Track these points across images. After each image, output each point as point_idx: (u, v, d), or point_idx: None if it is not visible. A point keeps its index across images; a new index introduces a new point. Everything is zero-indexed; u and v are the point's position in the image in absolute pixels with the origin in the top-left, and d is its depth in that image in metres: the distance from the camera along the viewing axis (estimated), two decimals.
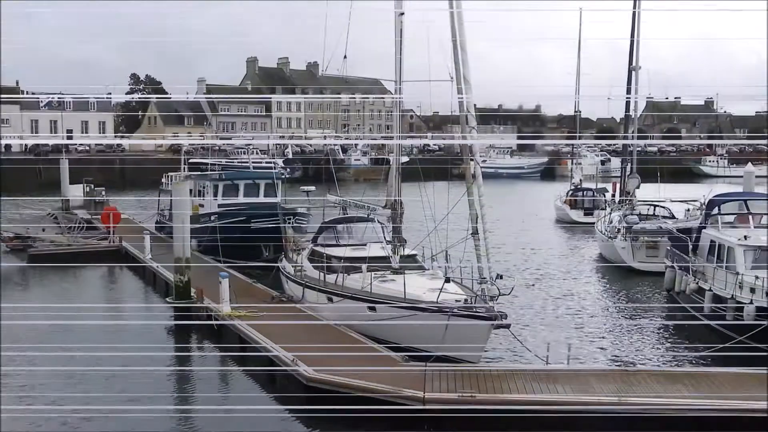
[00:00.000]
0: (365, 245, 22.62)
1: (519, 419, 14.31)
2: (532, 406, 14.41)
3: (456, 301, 17.26)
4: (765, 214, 23.69)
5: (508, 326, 16.98)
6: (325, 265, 21.21)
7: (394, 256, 21.28)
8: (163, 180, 42.75)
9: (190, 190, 31.06)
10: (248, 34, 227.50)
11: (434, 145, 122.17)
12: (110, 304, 26.28)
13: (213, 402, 16.70)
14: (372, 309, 18.76)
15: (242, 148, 77.78)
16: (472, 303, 17.06)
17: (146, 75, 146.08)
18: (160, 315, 24.23)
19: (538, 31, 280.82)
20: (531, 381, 15.49)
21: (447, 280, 18.26)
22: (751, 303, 19.04)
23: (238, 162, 56.77)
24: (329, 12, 23.28)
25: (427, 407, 14.38)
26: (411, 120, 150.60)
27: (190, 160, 49.14)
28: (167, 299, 23.74)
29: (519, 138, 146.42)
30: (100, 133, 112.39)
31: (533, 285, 29.70)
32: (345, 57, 23.66)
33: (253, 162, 47.63)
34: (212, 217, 32.00)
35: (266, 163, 52.24)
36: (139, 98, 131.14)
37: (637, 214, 36.46)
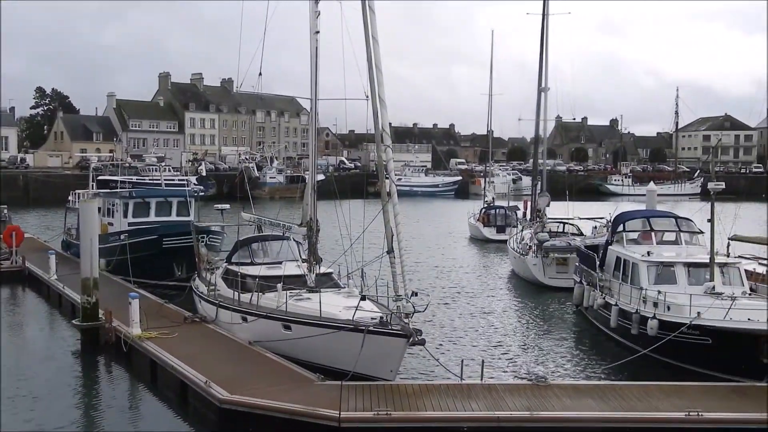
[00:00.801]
0: (280, 264, 22.47)
1: None
2: (446, 423, 14.49)
3: (372, 318, 17.26)
4: (667, 230, 24.63)
5: (423, 343, 17.07)
6: (239, 283, 20.89)
7: (309, 275, 21.17)
8: (70, 198, 41.32)
9: (99, 209, 30.20)
10: (161, 49, 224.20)
11: (351, 163, 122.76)
12: (12, 327, 25.11)
13: (122, 428, 16.22)
14: (287, 328, 18.58)
15: (154, 165, 76.04)
16: (387, 320, 17.09)
17: (52, 89, 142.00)
18: (65, 338, 23.37)
19: (452, 52, 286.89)
20: (445, 397, 15.55)
21: (363, 298, 18.30)
22: (654, 317, 19.71)
23: (150, 179, 55.59)
24: (244, 29, 23.21)
25: (343, 426, 14.29)
26: (327, 138, 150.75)
27: (99, 178, 47.82)
28: (74, 321, 22.87)
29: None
30: (2, 148, 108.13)
31: (447, 304, 30.06)
32: (260, 74, 23.57)
33: (165, 179, 46.70)
34: (122, 236, 31.09)
35: (179, 180, 51.37)
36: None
37: (547, 232, 37.32)
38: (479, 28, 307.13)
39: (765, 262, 29.62)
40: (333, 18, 20.43)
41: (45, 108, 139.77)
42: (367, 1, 17.85)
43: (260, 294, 20.02)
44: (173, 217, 32.39)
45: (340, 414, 14.37)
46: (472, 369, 18.18)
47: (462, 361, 18.37)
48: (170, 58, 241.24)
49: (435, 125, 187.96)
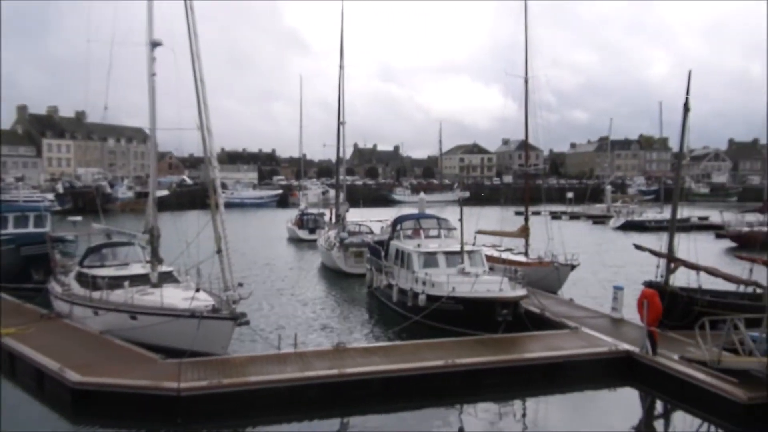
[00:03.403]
0: (127, 265, 21.12)
1: (258, 397, 14.18)
2: (267, 385, 14.29)
3: (205, 306, 16.68)
4: (431, 228, 25.85)
5: (247, 323, 16.72)
6: (91, 282, 19.33)
7: (152, 273, 20.03)
8: None
9: None
10: (18, 83, 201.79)
11: (191, 180, 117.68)
12: None
13: None
14: (134, 318, 17.46)
15: (12, 185, 68.45)
16: (218, 307, 16.59)
17: None
18: None
19: (271, 91, 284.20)
20: (267, 364, 15.32)
21: (198, 290, 17.65)
22: (423, 293, 20.57)
23: (10, 197, 50.02)
24: (95, 66, 21.55)
25: (183, 395, 13.67)
26: (170, 160, 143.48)
27: None
28: None
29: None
30: None
31: (279, 290, 29.67)
32: (106, 108, 22.00)
33: (24, 197, 42.22)
34: None
35: (36, 197, 46.62)
36: None
37: (347, 231, 37.93)
38: (291, 73, 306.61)
39: (500, 249, 32.01)
40: (169, 61, 19.58)
41: None
42: (194, 50, 17.24)
43: (109, 291, 18.69)
44: (30, 229, 29.30)
45: (179, 385, 13.72)
46: (288, 341, 18.08)
47: (279, 335, 18.20)
48: (24, 92, 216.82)
49: (260, 149, 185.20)
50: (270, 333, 20.38)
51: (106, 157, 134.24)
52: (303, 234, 51.72)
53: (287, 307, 25.69)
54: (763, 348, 14.17)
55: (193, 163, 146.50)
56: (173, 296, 17.78)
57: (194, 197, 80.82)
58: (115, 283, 19.00)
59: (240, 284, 17.30)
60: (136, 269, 20.59)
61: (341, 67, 42.22)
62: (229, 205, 20.81)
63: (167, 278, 20.10)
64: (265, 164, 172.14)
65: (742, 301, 19.90)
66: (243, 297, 16.82)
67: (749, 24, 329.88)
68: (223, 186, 27.87)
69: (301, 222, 53.56)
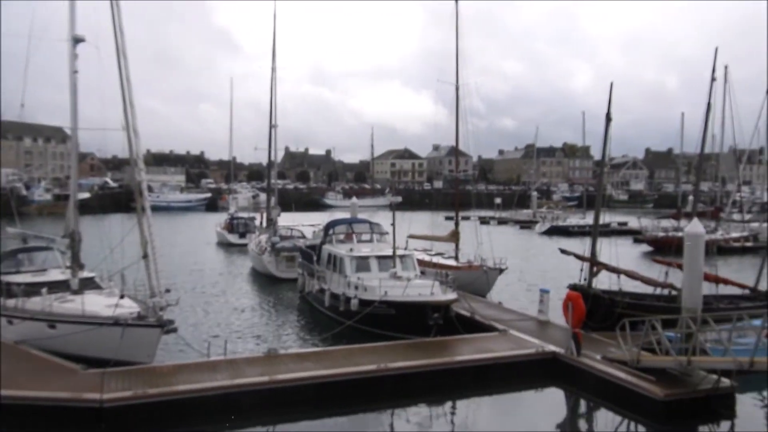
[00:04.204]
0: (45, 271, 20.08)
1: (186, 406, 13.77)
2: (196, 393, 13.89)
3: (130, 313, 16.07)
4: (363, 232, 25.87)
5: (175, 330, 16.23)
6: (5, 290, 18.24)
7: (73, 279, 19.13)
8: None
9: None
10: None
11: (115, 183, 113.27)
12: None
13: None
14: (52, 327, 16.60)
15: None
16: (144, 314, 16.01)
17: None
18: None
19: (199, 92, 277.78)
20: (195, 372, 14.91)
21: (122, 297, 16.98)
22: (355, 297, 20.56)
23: None
24: (8, 63, 20.47)
25: (105, 406, 13.10)
26: (92, 161, 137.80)
27: None
28: None
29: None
30: None
31: (207, 292, 28.91)
32: (22, 105, 20.96)
33: None
34: None
35: None
36: None
37: (279, 236, 37.49)
38: (220, 74, 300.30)
39: (431, 253, 32.43)
40: (92, 58, 18.79)
41: None
42: (119, 47, 16.64)
43: (25, 299, 17.68)
44: None
45: (102, 396, 13.16)
46: (218, 348, 17.66)
47: (209, 342, 17.76)
48: None
49: (188, 152, 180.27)
50: (199, 340, 19.84)
51: (22, 158, 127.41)
52: (233, 238, 50.75)
53: (217, 314, 25.11)
54: (678, 347, 14.93)
55: (116, 164, 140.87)
56: (95, 303, 17.05)
57: (118, 200, 77.81)
58: (32, 289, 18.00)
59: (167, 290, 16.83)
60: (55, 275, 19.62)
61: (273, 69, 41.89)
62: (155, 209, 20.14)
63: (89, 285, 19.27)
64: (194, 167, 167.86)
65: (659, 303, 20.94)
66: (170, 303, 16.34)
67: (664, 40, 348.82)
68: (149, 189, 27.01)
69: (231, 226, 52.54)
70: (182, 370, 15.15)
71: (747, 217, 58.50)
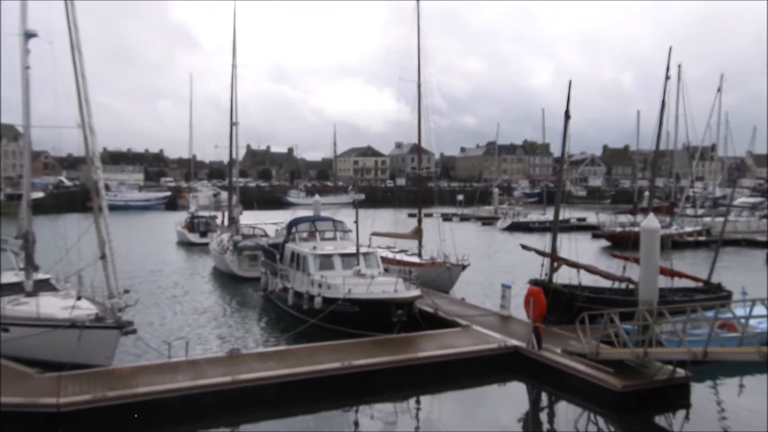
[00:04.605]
0: None
1: (147, 408, 13.52)
2: (156, 396, 13.65)
3: (88, 315, 15.69)
4: (327, 230, 25.79)
5: (134, 332, 15.92)
6: None
7: (27, 281, 18.58)
8: None
9: None
10: None
11: (70, 182, 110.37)
12: None
13: None
14: (6, 330, 16.08)
15: None
16: (102, 315, 15.65)
17: None
18: None
19: (158, 89, 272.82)
20: (156, 374, 14.64)
21: (79, 298, 16.58)
22: (319, 295, 20.49)
23: None
24: None
25: (63, 410, 12.77)
26: (46, 160, 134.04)
27: None
28: None
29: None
30: None
31: (173, 297, 28.41)
32: None
33: None
34: None
35: None
36: None
37: (241, 234, 37.11)
38: (179, 70, 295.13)
39: (395, 250, 32.52)
40: (46, 54, 18.24)
41: None
42: (74, 42, 16.20)
43: None
44: None
45: (59, 400, 12.83)
46: (180, 349, 17.38)
47: (170, 343, 17.47)
48: None
49: (147, 150, 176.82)
50: (160, 342, 19.50)
51: None
52: (194, 237, 50.02)
53: (178, 314, 24.72)
54: (635, 339, 15.31)
55: (71, 163, 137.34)
56: (51, 305, 16.61)
57: (73, 200, 75.97)
58: None
59: (126, 291, 16.48)
60: (8, 277, 19.03)
61: (234, 66, 41.31)
62: (112, 208, 19.70)
63: (44, 286, 18.76)
64: (152, 165, 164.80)
65: (617, 297, 21.42)
66: (129, 304, 16.02)
67: (620, 39, 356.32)
68: (106, 188, 26.40)
69: (191, 225, 51.75)
70: (142, 372, 14.87)
71: (700, 212, 60.30)
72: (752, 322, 14.70)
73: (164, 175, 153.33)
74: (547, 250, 22.96)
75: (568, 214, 35.64)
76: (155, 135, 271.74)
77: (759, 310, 13.79)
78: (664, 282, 21.62)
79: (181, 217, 57.80)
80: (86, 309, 16.11)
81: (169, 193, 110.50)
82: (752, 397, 16.29)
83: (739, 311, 15.41)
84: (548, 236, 23.66)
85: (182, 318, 24.09)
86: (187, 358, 16.34)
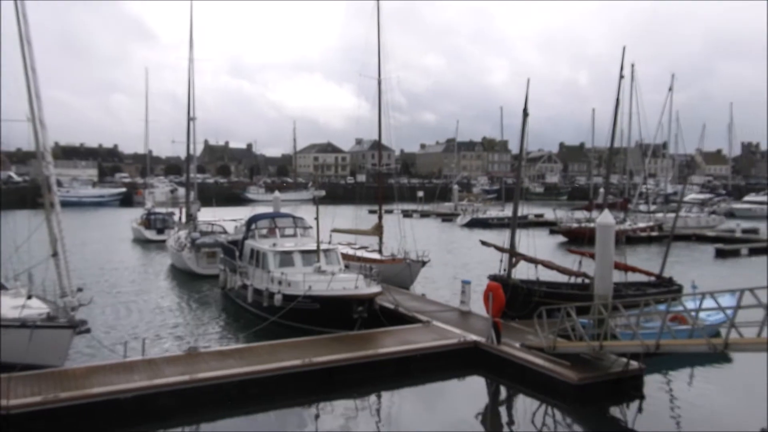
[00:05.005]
0: None
1: (101, 410, 13.19)
2: (110, 396, 13.32)
3: (39, 314, 15.21)
4: (287, 227, 25.59)
5: (88, 331, 15.49)
6: None
7: None
8: None
9: None
10: None
11: (20, 177, 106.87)
12: None
13: None
14: None
15: None
16: (54, 315, 15.20)
17: None
18: None
19: (112, 83, 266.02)
20: (110, 374, 14.29)
21: (29, 297, 16.07)
22: (279, 293, 20.33)
23: None
24: None
25: (12, 413, 12.36)
26: None
27: None
28: None
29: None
30: None
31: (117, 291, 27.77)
32: None
33: None
34: None
35: None
36: None
37: (199, 231, 36.56)
38: (134, 64, 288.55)
39: (355, 247, 32.50)
40: None
41: None
42: (23, 33, 15.64)
43: None
44: None
45: (7, 402, 12.39)
46: (136, 348, 17.02)
47: (125, 342, 17.08)
48: None
49: (101, 144, 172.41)
50: (115, 341, 19.05)
51: None
52: (150, 234, 49.03)
53: (134, 313, 24.18)
54: (591, 333, 15.65)
55: (21, 158, 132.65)
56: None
57: (23, 195, 73.37)
58: None
59: (79, 289, 16.05)
60: None
61: (191, 60, 40.73)
62: (65, 204, 19.14)
63: None
64: (107, 160, 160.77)
65: (574, 291, 21.88)
66: (83, 303, 15.62)
67: (576, 40, 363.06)
68: (58, 183, 25.57)
69: (148, 222, 50.70)
70: (96, 373, 14.49)
71: (652, 208, 62.01)
72: (702, 314, 15.21)
73: (119, 171, 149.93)
74: (506, 246, 23.26)
75: (526, 210, 36.15)
76: (110, 130, 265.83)
77: (708, 303, 14.23)
78: (618, 276, 22.17)
79: (137, 213, 56.64)
80: (37, 308, 15.64)
81: (124, 189, 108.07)
82: (702, 386, 16.85)
83: (690, 304, 15.91)
84: (507, 232, 23.98)
85: (138, 317, 23.58)
86: (143, 357, 15.99)
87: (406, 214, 61.11)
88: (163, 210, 54.04)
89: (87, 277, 30.27)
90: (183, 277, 32.63)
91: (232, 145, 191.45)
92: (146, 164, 79.98)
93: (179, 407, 13.91)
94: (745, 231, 53.67)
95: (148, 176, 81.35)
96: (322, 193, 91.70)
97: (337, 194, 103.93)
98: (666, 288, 23.49)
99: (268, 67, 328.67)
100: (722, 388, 16.56)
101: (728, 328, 12.75)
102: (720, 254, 43.74)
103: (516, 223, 23.75)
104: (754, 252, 44.28)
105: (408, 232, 29.91)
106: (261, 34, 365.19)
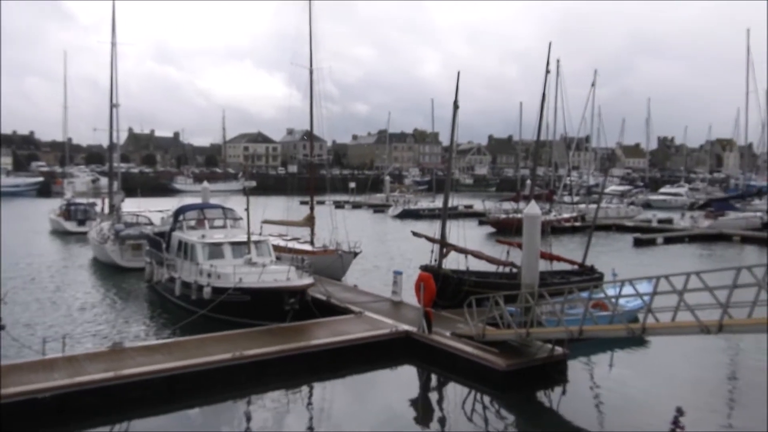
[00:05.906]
0: None
1: (18, 410, 12.55)
2: (27, 396, 12.70)
3: None
4: (216, 218, 25.06)
5: (3, 328, 14.71)
6: None
7: None
8: None
9: None
10: None
11: None
12: None
13: None
14: None
15: None
16: None
17: None
18: None
19: (25, 65, 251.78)
20: (28, 373, 13.62)
21: None
22: (208, 285, 19.91)
23: None
24: None
25: None
26: None
27: None
28: None
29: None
30: None
31: (33, 279, 26.42)
32: None
33: None
34: None
35: None
36: None
37: (123, 223, 35.32)
38: (50, 46, 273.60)
39: (287, 238, 32.20)
40: None
41: None
42: None
43: None
44: None
45: None
46: (56, 345, 16.27)
47: (44, 339, 16.31)
48: None
49: (15, 131, 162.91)
50: (33, 338, 18.16)
51: None
52: (70, 226, 46.96)
53: (54, 309, 23.12)
54: (518, 320, 16.13)
55: None
56: None
57: None
58: None
59: None
60: None
61: (113, 44, 39.01)
62: None
63: None
64: (22, 148, 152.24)
65: (502, 280, 22.45)
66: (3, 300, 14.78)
67: (505, 34, 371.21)
68: None
69: (68, 213, 48.52)
70: (12, 371, 13.77)
71: (576, 199, 64.33)
72: (621, 300, 15.94)
73: (36, 159, 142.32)
74: (437, 236, 23.61)
75: (456, 201, 36.86)
76: (24, 115, 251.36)
77: (627, 289, 14.92)
78: (544, 265, 22.88)
79: (56, 204, 54.07)
80: None
81: (41, 179, 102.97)
82: (621, 370, 17.69)
83: (610, 291, 16.65)
84: (438, 223, 24.33)
85: (59, 313, 22.55)
86: (63, 354, 15.32)
87: (338, 205, 60.96)
88: (84, 201, 51.79)
89: (2, 271, 28.68)
90: (106, 271, 31.44)
91: (158, 133, 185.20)
92: (65, 152, 76.52)
93: (104, 406, 13.43)
94: (660, 221, 56.59)
95: (67, 165, 77.96)
96: (253, 183, 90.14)
97: (268, 185, 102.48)
98: (588, 276, 24.47)
99: (196, 53, 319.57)
100: (640, 371, 17.43)
101: (645, 314, 13.40)
102: (638, 243, 45.89)
103: (446, 214, 24.12)
104: (668, 241, 46.73)
105: (340, 223, 29.88)
106: (188, 18, 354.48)
